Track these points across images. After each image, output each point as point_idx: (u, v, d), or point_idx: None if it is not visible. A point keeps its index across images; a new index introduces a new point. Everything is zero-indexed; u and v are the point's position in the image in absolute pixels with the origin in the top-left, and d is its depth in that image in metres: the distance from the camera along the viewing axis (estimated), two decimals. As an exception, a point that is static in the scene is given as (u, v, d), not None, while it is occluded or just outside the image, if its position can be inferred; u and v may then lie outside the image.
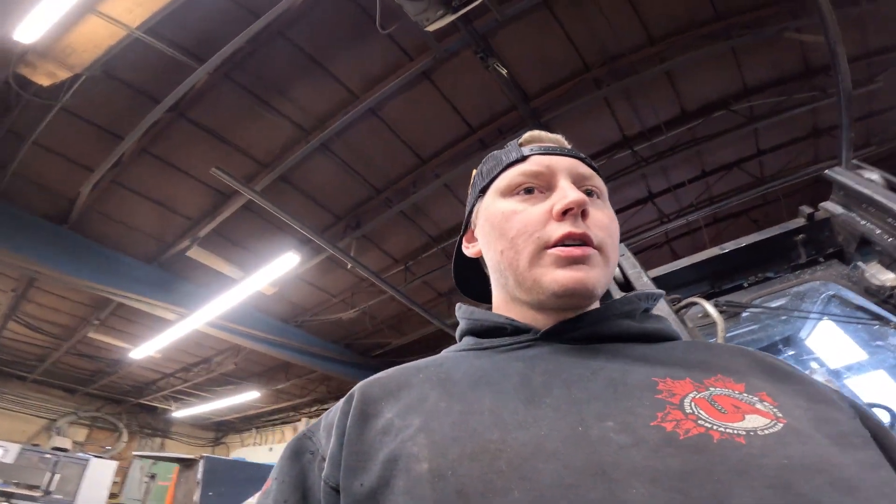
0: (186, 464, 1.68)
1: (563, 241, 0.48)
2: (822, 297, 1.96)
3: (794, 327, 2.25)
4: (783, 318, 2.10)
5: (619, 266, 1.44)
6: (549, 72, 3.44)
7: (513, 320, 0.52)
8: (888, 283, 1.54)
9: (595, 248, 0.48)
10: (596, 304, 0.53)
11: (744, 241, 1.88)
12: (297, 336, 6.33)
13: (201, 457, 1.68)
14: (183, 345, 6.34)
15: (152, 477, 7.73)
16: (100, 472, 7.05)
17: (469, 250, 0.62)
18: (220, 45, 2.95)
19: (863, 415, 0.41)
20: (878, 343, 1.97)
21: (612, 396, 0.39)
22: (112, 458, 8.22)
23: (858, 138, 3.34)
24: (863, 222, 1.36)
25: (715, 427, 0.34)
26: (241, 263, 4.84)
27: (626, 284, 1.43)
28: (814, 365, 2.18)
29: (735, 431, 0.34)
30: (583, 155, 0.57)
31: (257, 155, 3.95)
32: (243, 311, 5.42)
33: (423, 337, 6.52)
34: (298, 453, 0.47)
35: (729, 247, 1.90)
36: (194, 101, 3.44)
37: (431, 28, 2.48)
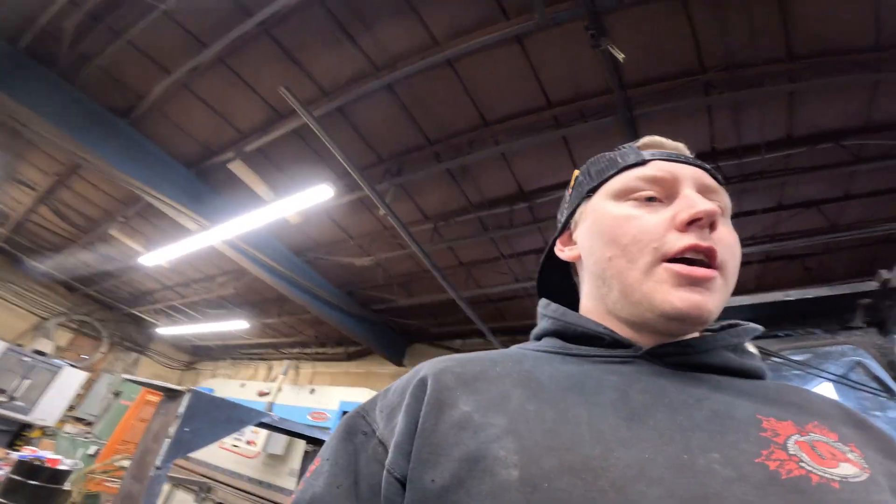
0: (171, 394, 1.73)
1: (685, 255, 0.46)
2: (847, 361, 2.00)
3: (803, 382, 2.31)
4: (797, 373, 2.14)
5: None
6: (658, 63, 3.34)
7: (613, 332, 0.50)
8: None
9: (717, 268, 0.47)
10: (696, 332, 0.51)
11: (811, 293, 1.88)
12: (303, 272, 6.42)
13: (189, 390, 1.73)
14: (193, 259, 6.44)
15: (116, 394, 7.91)
16: (68, 382, 7.15)
17: (564, 253, 0.61)
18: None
19: None
20: (876, 413, 2.06)
21: (717, 429, 0.39)
22: (85, 368, 8.36)
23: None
24: None
25: (814, 470, 0.36)
26: (275, 186, 4.86)
27: None
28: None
29: (831, 476, 0.36)
30: (708, 166, 0.55)
31: (323, 82, 3.92)
32: (262, 237, 5.47)
33: (430, 303, 6.59)
34: (352, 433, 0.46)
35: (794, 295, 1.90)
36: (282, 19, 3.42)
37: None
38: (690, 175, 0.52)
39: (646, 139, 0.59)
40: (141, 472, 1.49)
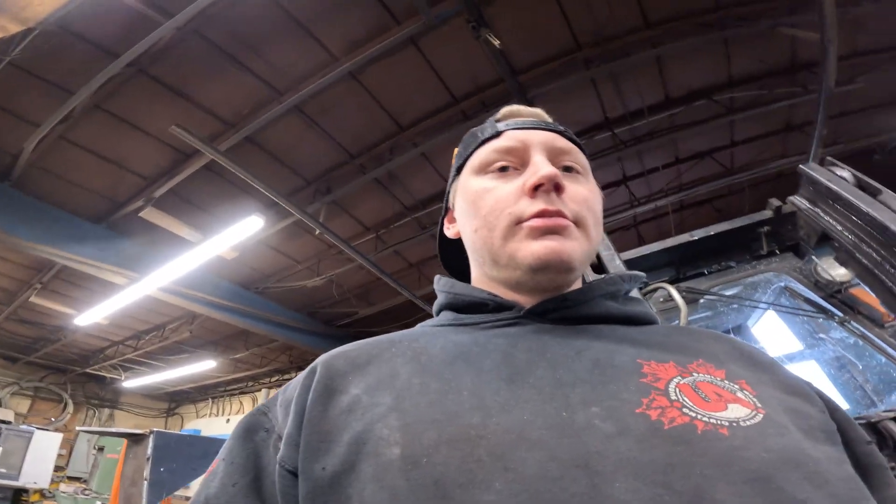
0: (135, 439, 1.60)
1: (537, 217, 0.46)
2: (774, 288, 2.10)
3: (744, 316, 2.41)
4: (735, 306, 2.25)
5: None
6: (539, 47, 3.39)
7: (496, 296, 0.50)
8: (838, 279, 1.64)
9: (572, 221, 0.47)
10: (578, 285, 0.52)
11: (712, 230, 1.96)
12: (257, 303, 6.15)
13: (151, 431, 1.60)
14: (133, 311, 6.01)
15: (100, 450, 7.51)
16: (44, 445, 6.88)
17: (449, 231, 0.61)
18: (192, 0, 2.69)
19: (831, 408, 0.42)
20: (820, 336, 2.15)
21: (598, 379, 0.38)
22: (57, 429, 7.95)
23: (828, 136, 3.54)
24: (826, 218, 1.40)
25: (699, 416, 0.34)
26: (199, 226, 4.56)
27: (599, 267, 1.45)
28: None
29: (718, 422, 0.34)
30: (562, 128, 0.55)
31: (223, 114, 3.69)
32: (200, 277, 5.17)
33: (391, 308, 6.53)
34: (251, 431, 0.43)
35: (698, 234, 1.98)
36: (158, 57, 3.16)
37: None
38: (541, 140, 0.51)
39: (505, 110, 0.59)
40: (129, 517, 1.37)
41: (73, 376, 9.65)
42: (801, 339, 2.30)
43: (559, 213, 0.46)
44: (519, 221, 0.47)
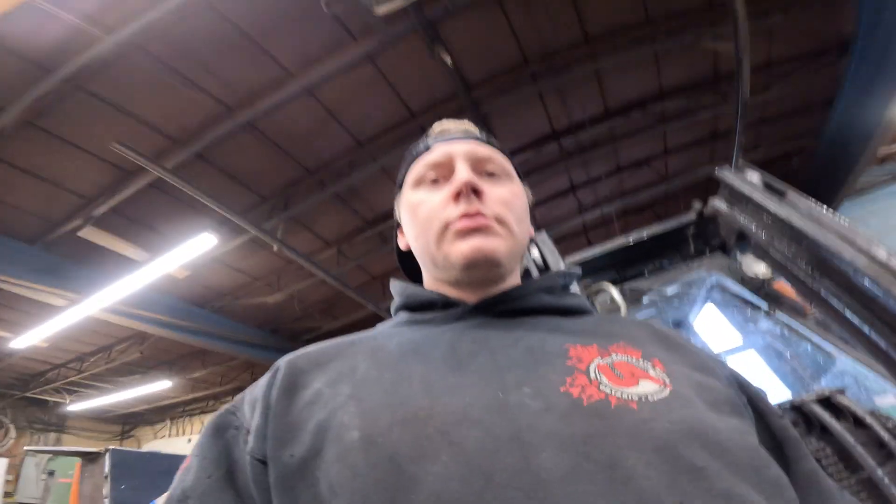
0: (90, 457, 1.50)
1: (462, 220, 0.51)
2: (707, 284, 2.26)
3: (684, 312, 2.57)
4: (676, 304, 2.40)
5: (539, 251, 1.52)
6: (491, 63, 3.48)
7: (444, 295, 0.54)
8: (760, 275, 1.77)
9: (493, 220, 0.51)
10: (518, 281, 0.57)
11: (645, 232, 2.09)
12: (214, 321, 5.86)
13: (107, 449, 1.52)
14: (76, 333, 5.53)
15: (50, 474, 6.83)
16: None
17: (401, 242, 0.65)
18: (136, 15, 2.57)
19: (741, 383, 0.47)
20: (751, 326, 2.33)
21: (530, 363, 0.41)
22: (1, 455, 7.22)
23: (749, 142, 3.84)
24: (741, 219, 1.49)
25: (613, 392, 0.37)
26: (146, 244, 4.30)
27: (545, 269, 1.51)
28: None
29: (629, 397, 0.37)
30: (482, 136, 0.60)
31: (170, 130, 3.50)
32: (150, 296, 4.87)
33: (356, 321, 6.45)
34: (221, 429, 0.45)
35: (633, 237, 2.11)
36: (97, 73, 2.95)
37: (382, 11, 2.34)
38: (464, 151, 0.56)
39: (437, 125, 0.64)
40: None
41: (13, 401, 8.74)
42: (739, 330, 2.49)
43: (479, 214, 0.50)
44: (447, 225, 0.51)
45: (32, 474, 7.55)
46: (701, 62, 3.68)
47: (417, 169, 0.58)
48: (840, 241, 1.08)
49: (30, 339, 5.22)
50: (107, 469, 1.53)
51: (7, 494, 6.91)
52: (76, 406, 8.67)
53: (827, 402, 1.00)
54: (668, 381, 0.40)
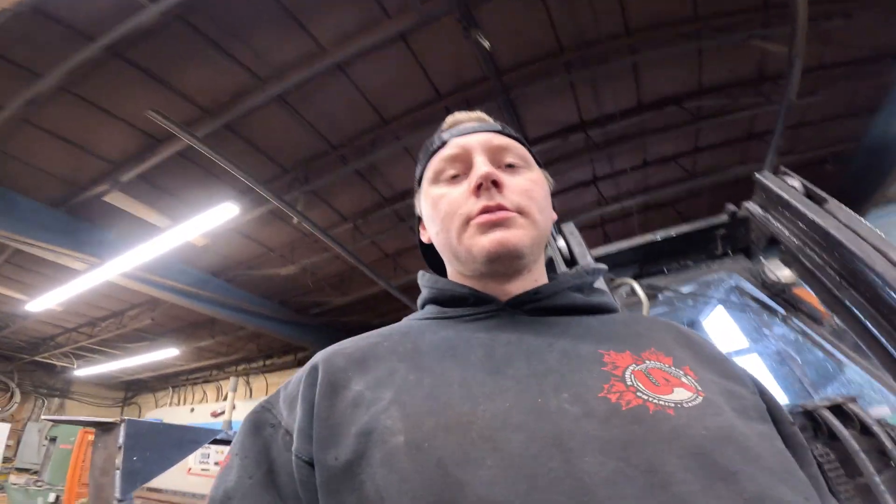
0: (105, 427, 1.61)
1: (483, 214, 0.52)
2: (725, 286, 2.31)
3: (697, 311, 2.63)
4: (690, 303, 2.45)
5: (567, 242, 1.56)
6: (525, 49, 3.49)
7: (475, 290, 0.55)
8: (783, 280, 1.82)
9: (515, 211, 0.52)
10: (545, 279, 0.58)
11: (673, 231, 2.12)
12: (226, 291, 6.03)
13: (122, 420, 1.62)
14: (90, 297, 5.74)
15: (52, 440, 7.10)
16: None
17: (423, 236, 0.66)
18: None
19: (761, 391, 0.49)
20: (765, 332, 2.38)
21: (566, 368, 0.43)
22: (3, 420, 7.59)
23: (784, 145, 3.83)
24: (775, 224, 1.51)
25: (650, 399, 0.39)
26: (169, 212, 4.43)
27: (571, 260, 1.55)
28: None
29: (666, 403, 0.39)
30: (498, 126, 0.61)
31: (201, 101, 3.57)
32: (167, 263, 5.03)
33: (367, 297, 6.54)
34: (259, 426, 0.47)
35: (661, 235, 2.16)
36: (136, 41, 3.02)
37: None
38: (480, 143, 0.57)
39: (448, 119, 0.65)
40: (102, 507, 1.40)
41: (21, 364, 9.03)
42: (747, 335, 2.54)
43: (500, 207, 0.52)
44: (468, 220, 0.52)
45: (34, 440, 7.71)
46: (746, 61, 3.65)
47: (435, 164, 0.59)
48: (874, 253, 1.14)
49: (46, 302, 5.40)
50: (121, 440, 1.64)
51: (6, 460, 7.09)
52: (83, 371, 8.92)
53: (838, 409, 1.06)
54: (699, 387, 0.42)
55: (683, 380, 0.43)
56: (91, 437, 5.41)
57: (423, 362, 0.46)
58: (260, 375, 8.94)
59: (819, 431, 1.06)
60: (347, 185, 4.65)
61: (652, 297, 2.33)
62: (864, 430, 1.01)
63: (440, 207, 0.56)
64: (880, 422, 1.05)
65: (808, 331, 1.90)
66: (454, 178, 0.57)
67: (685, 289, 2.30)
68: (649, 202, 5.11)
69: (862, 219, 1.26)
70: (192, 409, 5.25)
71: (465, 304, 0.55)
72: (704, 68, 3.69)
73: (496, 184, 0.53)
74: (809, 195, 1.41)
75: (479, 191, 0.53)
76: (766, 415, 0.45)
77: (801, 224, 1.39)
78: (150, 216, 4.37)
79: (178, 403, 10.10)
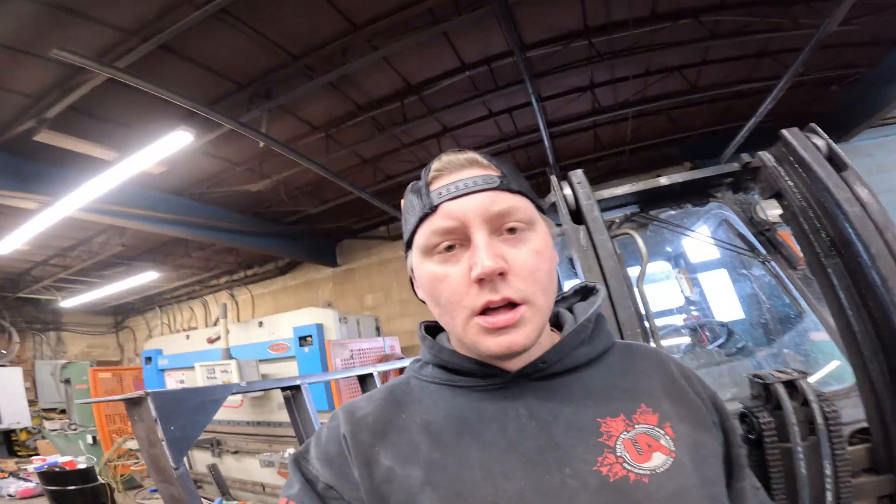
0: (132, 402, 1.67)
1: (486, 312, 0.50)
2: (715, 217, 2.34)
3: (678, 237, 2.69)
4: (678, 232, 2.50)
5: (574, 192, 1.54)
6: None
7: (483, 365, 0.55)
8: (771, 219, 1.84)
9: (521, 302, 0.50)
10: (549, 338, 0.57)
11: (679, 178, 2.09)
12: (194, 210, 5.69)
13: (147, 394, 1.68)
14: (55, 230, 5.33)
15: (67, 381, 7.33)
16: (9, 382, 6.66)
17: (419, 293, 0.61)
18: None
19: (716, 406, 0.58)
20: (743, 271, 2.50)
21: (569, 443, 0.49)
22: (12, 362, 7.69)
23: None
24: (786, 179, 1.47)
25: (632, 469, 0.47)
26: (117, 143, 3.90)
27: (577, 213, 1.54)
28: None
29: (643, 472, 0.47)
30: (497, 178, 0.54)
31: (124, 24, 2.88)
32: (126, 190, 4.59)
33: (343, 204, 6.33)
34: (309, 480, 0.53)
35: (664, 181, 2.12)
36: None
37: None
38: (478, 211, 0.51)
39: (436, 164, 0.57)
40: (165, 475, 1.56)
41: (8, 302, 8.74)
42: (729, 265, 2.68)
43: (505, 301, 0.49)
44: (472, 314, 0.50)
45: (48, 380, 8.05)
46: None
47: (426, 235, 0.54)
48: (874, 233, 1.16)
49: (9, 244, 5.04)
50: (154, 413, 1.70)
51: (31, 402, 7.30)
52: (68, 302, 8.75)
53: (791, 383, 1.18)
54: (673, 448, 0.49)
55: (662, 441, 0.50)
56: (101, 375, 5.61)
57: (442, 438, 0.51)
58: (244, 288, 9.04)
59: (770, 399, 1.20)
60: (317, 96, 4.12)
61: (643, 226, 2.36)
62: (805, 403, 1.15)
63: (440, 292, 0.52)
64: (821, 396, 1.18)
65: (783, 276, 2.02)
66: (449, 251, 0.53)
67: (675, 219, 2.30)
68: (644, 110, 4.83)
69: (875, 196, 1.25)
70: (188, 337, 5.39)
71: (473, 376, 0.56)
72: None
73: (502, 274, 0.50)
74: (832, 159, 1.36)
75: (481, 283, 0.50)
76: (720, 449, 0.54)
77: (811, 185, 1.38)
78: (94, 151, 3.85)
79: (169, 325, 10.08)
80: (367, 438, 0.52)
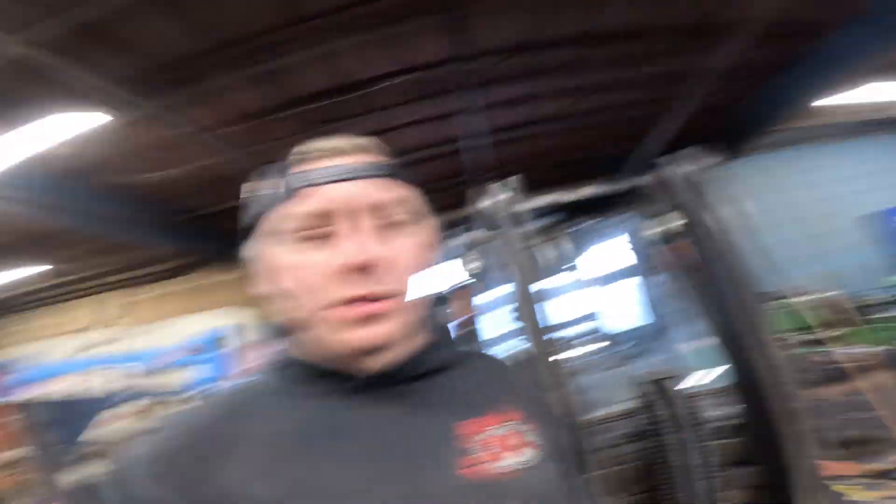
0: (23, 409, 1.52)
1: (348, 304, 0.46)
2: (630, 225, 2.53)
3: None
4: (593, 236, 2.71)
5: (495, 203, 1.61)
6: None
7: (337, 368, 0.49)
8: (673, 230, 1.84)
9: (389, 297, 0.47)
10: (413, 343, 0.53)
11: (596, 188, 2.04)
12: (84, 199, 4.86)
13: (26, 402, 1.54)
14: None
15: None
16: None
17: (258, 289, 0.54)
18: None
19: (552, 407, 0.67)
20: (649, 280, 2.79)
21: (429, 448, 0.48)
22: None
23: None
24: (661, 203, 1.70)
25: (495, 468, 0.47)
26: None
27: (494, 222, 1.62)
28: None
29: (498, 470, 0.47)
30: (374, 166, 0.49)
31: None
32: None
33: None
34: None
35: (585, 192, 2.15)
36: None
37: None
38: (347, 199, 0.46)
39: (298, 150, 0.51)
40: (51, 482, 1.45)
41: None
42: (638, 269, 3.03)
43: (372, 300, 0.46)
44: (329, 308, 0.46)
45: None
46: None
47: (280, 217, 0.48)
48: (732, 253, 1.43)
49: None
50: (36, 421, 1.61)
51: None
52: None
53: (669, 379, 1.42)
54: (537, 443, 0.51)
55: (511, 441, 0.50)
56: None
57: (292, 449, 0.45)
58: (135, 289, 7.81)
59: (665, 398, 1.42)
60: (242, 87, 3.81)
61: (559, 235, 2.50)
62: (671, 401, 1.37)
63: (297, 283, 0.47)
64: (684, 396, 1.39)
65: (677, 286, 2.10)
66: (315, 237, 0.46)
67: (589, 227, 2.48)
68: (574, 125, 5.11)
69: (723, 222, 1.51)
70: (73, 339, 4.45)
71: (325, 379, 0.50)
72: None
73: (371, 266, 0.45)
74: (694, 186, 1.57)
75: (348, 273, 0.45)
76: (564, 443, 0.59)
77: (675, 208, 1.62)
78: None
79: (36, 334, 7.93)
80: (201, 453, 0.44)
